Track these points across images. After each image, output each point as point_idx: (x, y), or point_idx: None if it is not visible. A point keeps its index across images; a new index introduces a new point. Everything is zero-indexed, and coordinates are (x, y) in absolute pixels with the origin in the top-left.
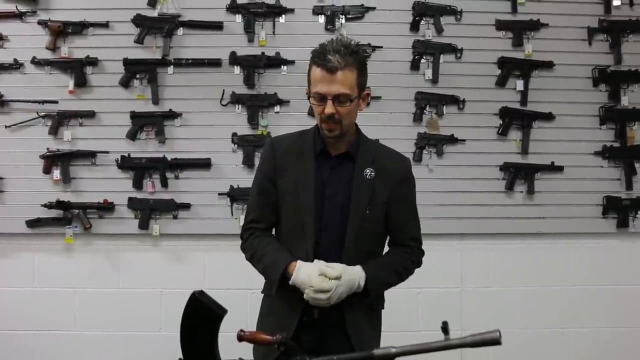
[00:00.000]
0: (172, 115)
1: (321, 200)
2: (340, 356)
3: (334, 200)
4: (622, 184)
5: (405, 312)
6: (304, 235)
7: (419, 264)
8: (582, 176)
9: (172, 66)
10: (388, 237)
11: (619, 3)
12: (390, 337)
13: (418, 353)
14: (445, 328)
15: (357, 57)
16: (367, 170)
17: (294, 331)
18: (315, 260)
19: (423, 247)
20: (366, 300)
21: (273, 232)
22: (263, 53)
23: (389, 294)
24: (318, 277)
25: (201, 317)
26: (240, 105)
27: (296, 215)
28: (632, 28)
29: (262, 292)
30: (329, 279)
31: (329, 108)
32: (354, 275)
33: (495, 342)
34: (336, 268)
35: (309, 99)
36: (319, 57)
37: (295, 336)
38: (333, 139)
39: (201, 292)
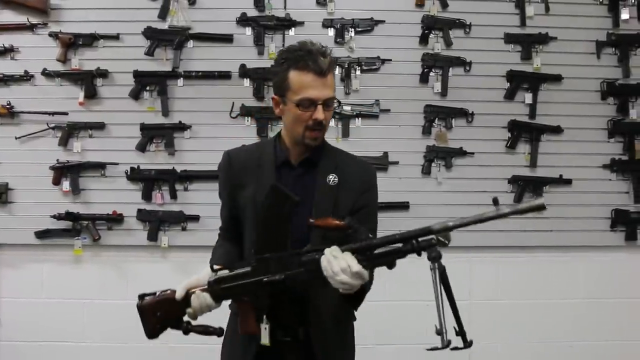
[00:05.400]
0: (181, 127)
1: None
2: (402, 233)
3: (301, 210)
4: (631, 197)
5: (414, 325)
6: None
7: None
8: (591, 189)
9: (182, 78)
10: None
11: (627, 17)
12: (398, 350)
13: (474, 223)
14: (495, 200)
15: (334, 60)
16: (330, 177)
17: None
18: None
19: None
20: (337, 311)
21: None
22: (272, 66)
23: (396, 305)
24: None
25: (278, 203)
26: (249, 118)
27: (255, 230)
28: None
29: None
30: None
31: (320, 114)
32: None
33: (542, 207)
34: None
35: (277, 106)
36: (306, 59)
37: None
38: (315, 146)
39: (277, 185)
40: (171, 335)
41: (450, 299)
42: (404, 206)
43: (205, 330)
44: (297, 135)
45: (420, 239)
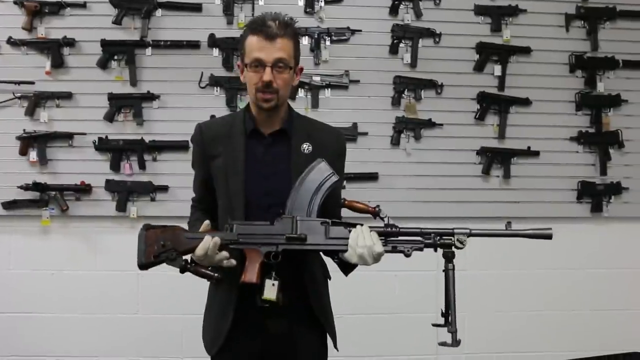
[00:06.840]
0: (150, 97)
1: (258, 181)
2: (426, 229)
3: (274, 179)
4: (597, 170)
5: (382, 295)
6: (232, 219)
7: None
8: (558, 161)
9: (150, 48)
10: None
11: None
12: (369, 319)
13: (490, 236)
14: (509, 223)
15: (292, 29)
16: (304, 146)
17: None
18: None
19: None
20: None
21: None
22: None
23: (365, 276)
24: None
25: (320, 176)
26: (218, 88)
27: (226, 199)
28: (608, 15)
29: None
30: None
31: (267, 75)
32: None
33: (549, 236)
34: None
35: (241, 73)
36: (257, 24)
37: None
38: (269, 110)
39: (324, 160)
40: (140, 304)
41: (449, 294)
42: (372, 177)
43: (201, 272)
44: (253, 98)
45: (441, 238)
